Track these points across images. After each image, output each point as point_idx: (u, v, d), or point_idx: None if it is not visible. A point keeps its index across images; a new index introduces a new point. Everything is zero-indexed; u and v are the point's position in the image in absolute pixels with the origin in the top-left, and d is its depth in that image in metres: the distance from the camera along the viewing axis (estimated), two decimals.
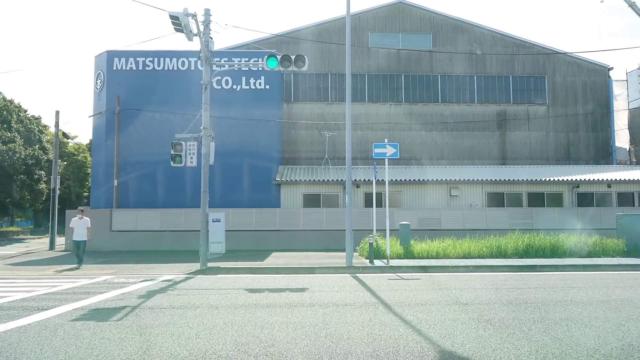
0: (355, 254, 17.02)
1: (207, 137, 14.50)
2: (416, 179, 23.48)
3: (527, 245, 16.34)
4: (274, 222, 21.76)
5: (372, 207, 14.86)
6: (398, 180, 23.28)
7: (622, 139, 30.36)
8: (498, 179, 23.38)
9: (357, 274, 12.90)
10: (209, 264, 14.40)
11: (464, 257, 16.08)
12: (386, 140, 14.61)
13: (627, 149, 30.50)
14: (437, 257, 16.14)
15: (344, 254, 15.08)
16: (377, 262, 14.84)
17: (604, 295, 9.04)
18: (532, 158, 28.95)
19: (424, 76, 29.52)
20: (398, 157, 14.34)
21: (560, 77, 29.71)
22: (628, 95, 30.42)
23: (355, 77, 29.10)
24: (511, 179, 23.43)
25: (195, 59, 22.80)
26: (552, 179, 23.31)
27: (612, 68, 29.66)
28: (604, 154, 29.30)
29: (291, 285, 10.79)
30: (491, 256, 16.14)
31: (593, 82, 29.73)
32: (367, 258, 15.68)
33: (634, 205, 23.30)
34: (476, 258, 15.99)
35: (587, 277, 11.92)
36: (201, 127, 14.55)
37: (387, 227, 14.62)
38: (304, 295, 9.27)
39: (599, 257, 16.03)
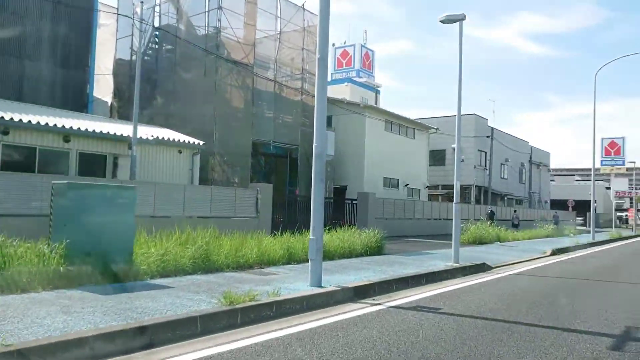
0: None
1: None
2: None
3: None
4: None
5: None
6: None
7: (103, 89, 21.83)
8: None
9: None
10: None
11: None
12: None
13: (110, 103, 22.24)
14: None
15: None
16: None
17: None
18: None
19: None
20: None
21: None
22: (118, 30, 22.13)
23: None
24: None
25: None
26: None
27: None
28: (80, 104, 19.87)
29: None
30: None
31: None
32: None
33: (105, 176, 14.44)
34: None
35: None
36: None
37: None
38: None
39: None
